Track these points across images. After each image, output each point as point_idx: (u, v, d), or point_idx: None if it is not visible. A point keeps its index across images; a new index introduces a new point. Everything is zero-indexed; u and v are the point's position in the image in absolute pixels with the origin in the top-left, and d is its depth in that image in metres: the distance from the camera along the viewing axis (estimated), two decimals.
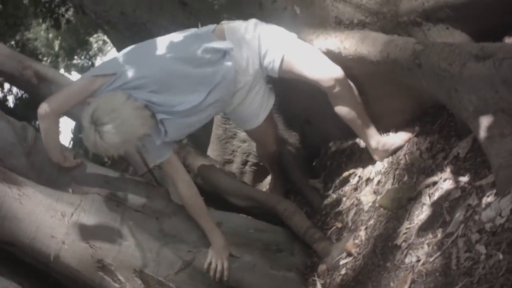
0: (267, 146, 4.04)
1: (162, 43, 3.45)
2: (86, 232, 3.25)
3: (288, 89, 3.91)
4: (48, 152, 3.46)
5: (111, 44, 20.76)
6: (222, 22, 3.62)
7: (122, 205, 3.42)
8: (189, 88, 3.34)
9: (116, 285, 3.23)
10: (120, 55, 3.45)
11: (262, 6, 3.71)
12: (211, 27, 3.58)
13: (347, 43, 3.38)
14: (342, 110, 3.53)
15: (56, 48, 19.10)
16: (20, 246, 3.28)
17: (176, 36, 3.49)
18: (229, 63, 3.39)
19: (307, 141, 4.29)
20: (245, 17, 3.78)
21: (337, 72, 3.44)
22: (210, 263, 3.36)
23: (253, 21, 3.60)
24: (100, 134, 3.04)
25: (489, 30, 3.01)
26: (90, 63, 20.78)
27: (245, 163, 4.60)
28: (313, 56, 3.51)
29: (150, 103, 3.24)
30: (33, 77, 4.07)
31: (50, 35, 18.01)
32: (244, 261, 3.44)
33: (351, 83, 3.52)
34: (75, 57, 20.50)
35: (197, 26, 3.89)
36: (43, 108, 3.26)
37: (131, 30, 4.68)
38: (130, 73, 3.27)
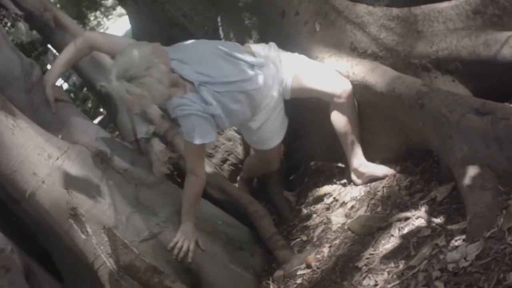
0: (271, 165, 4.15)
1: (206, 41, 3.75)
2: (67, 179, 3.32)
3: (289, 100, 4.04)
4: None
5: (104, 27, 20.80)
6: (246, 44, 3.86)
7: (105, 163, 3.51)
8: (229, 68, 3.52)
9: (83, 236, 3.29)
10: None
11: (285, 15, 3.86)
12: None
13: (357, 69, 3.53)
14: (339, 122, 3.67)
15: None
16: None
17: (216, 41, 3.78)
18: (260, 74, 3.61)
19: (291, 154, 4.40)
20: (265, 20, 3.95)
21: (348, 84, 3.59)
22: (176, 242, 3.45)
23: (272, 44, 3.82)
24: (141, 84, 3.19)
25: (492, 92, 3.12)
26: None
27: (224, 160, 4.68)
28: (324, 70, 3.68)
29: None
30: (51, 20, 4.17)
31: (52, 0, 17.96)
32: (207, 249, 3.53)
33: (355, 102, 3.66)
34: None
35: (216, 18, 4.00)
36: (86, 33, 3.77)
37: (149, 7, 4.79)
38: (174, 52, 3.50)
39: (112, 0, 18.97)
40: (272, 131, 3.82)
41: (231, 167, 4.68)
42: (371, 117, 3.66)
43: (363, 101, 3.62)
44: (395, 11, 3.60)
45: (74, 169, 3.38)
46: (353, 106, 3.66)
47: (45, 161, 3.30)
